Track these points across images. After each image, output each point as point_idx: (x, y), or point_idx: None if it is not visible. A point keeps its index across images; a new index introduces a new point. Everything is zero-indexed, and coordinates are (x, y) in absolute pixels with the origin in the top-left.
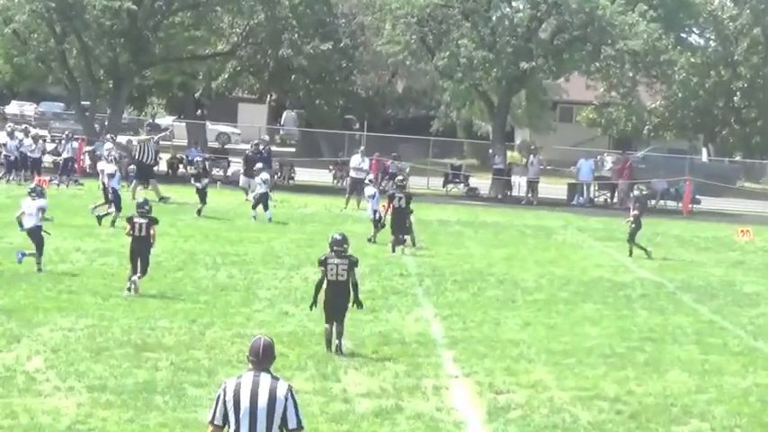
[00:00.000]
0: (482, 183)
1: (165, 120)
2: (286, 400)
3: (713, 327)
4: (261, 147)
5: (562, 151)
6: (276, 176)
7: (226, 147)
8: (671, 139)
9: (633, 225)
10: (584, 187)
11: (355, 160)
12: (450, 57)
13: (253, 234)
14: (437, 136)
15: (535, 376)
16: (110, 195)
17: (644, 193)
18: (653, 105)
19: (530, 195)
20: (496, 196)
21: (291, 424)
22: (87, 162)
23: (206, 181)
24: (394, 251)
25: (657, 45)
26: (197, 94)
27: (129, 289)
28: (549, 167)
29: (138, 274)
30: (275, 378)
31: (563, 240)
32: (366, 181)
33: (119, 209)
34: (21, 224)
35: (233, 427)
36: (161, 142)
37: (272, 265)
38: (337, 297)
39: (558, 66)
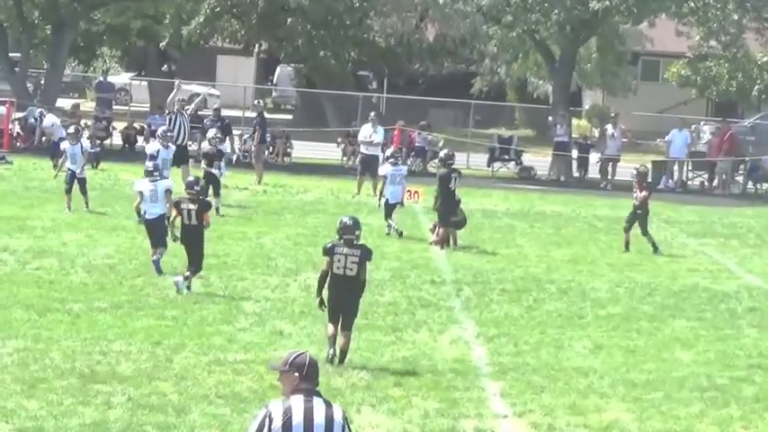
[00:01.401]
0: (539, 161)
1: (121, 77)
2: (343, 426)
3: None
4: (255, 113)
5: (645, 119)
6: (268, 152)
7: (200, 113)
8: None
9: (639, 211)
10: (675, 166)
11: (365, 131)
12: None
13: (236, 228)
14: (480, 99)
15: (609, 416)
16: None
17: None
18: (765, 59)
19: (607, 177)
20: (558, 178)
21: None
22: (17, 132)
23: (223, 166)
24: (443, 247)
25: None
26: (162, 44)
27: (186, 284)
28: (625, 140)
29: (191, 270)
30: (328, 402)
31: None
32: (388, 156)
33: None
34: (139, 213)
35: None
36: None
37: (261, 270)
38: (344, 296)
39: (640, 6)
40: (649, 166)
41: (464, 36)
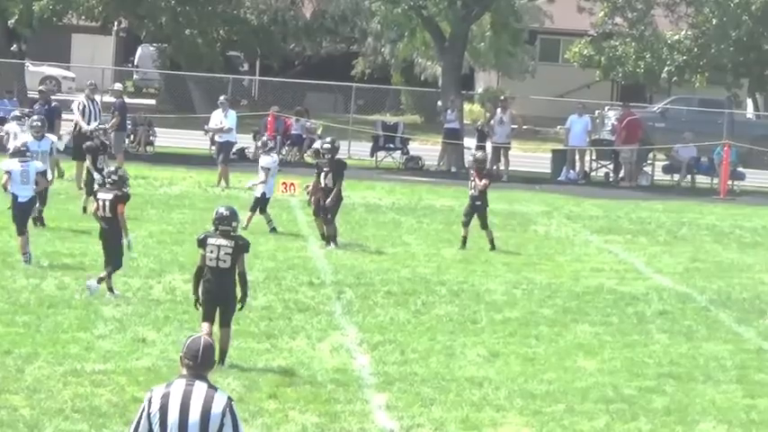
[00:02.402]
0: (428, 149)
1: None
2: (223, 415)
3: (762, 358)
4: (114, 97)
5: (544, 103)
6: (128, 141)
7: (54, 97)
8: (702, 85)
9: (478, 202)
10: (577, 156)
11: (216, 118)
12: None
13: (94, 225)
14: (362, 82)
15: (506, 430)
16: None
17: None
18: (676, 37)
19: (496, 168)
20: (449, 169)
21: None
22: None
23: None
24: (330, 244)
25: None
26: (11, 22)
27: (88, 288)
28: (524, 127)
29: (107, 270)
30: (212, 387)
31: (545, 233)
32: (264, 144)
33: None
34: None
35: None
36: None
37: (122, 271)
38: (218, 290)
39: None
40: (549, 156)
41: (344, 12)
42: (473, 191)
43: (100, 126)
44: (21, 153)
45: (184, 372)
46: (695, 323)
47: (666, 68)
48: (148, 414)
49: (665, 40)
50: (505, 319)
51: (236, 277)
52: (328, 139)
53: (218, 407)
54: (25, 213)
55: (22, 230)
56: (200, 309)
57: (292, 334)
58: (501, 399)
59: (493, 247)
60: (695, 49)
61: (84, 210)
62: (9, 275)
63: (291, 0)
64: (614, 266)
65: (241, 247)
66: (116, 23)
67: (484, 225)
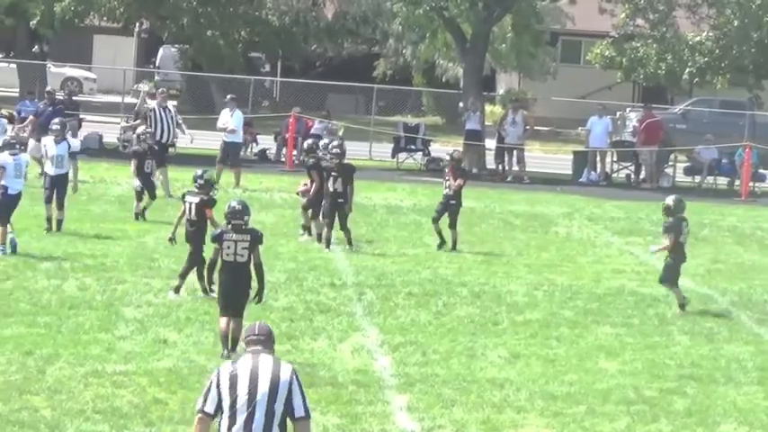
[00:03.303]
0: (449, 151)
1: None
2: (290, 384)
3: None
4: (145, 98)
5: (566, 104)
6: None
7: (75, 99)
8: (723, 87)
9: (453, 201)
10: (598, 157)
11: (224, 117)
12: None
13: (116, 226)
14: (383, 83)
15: None
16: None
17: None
18: (697, 39)
19: (516, 169)
20: (470, 170)
21: (298, 412)
22: None
23: (152, 164)
24: (328, 247)
25: None
26: (33, 23)
27: (175, 290)
28: (545, 128)
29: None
30: (277, 359)
31: (567, 234)
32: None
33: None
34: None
35: (227, 415)
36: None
37: (143, 272)
38: (236, 283)
39: None
40: (570, 157)
41: (366, 14)
42: (447, 190)
43: (147, 130)
44: (11, 146)
45: (249, 349)
46: (716, 325)
47: (688, 70)
48: (218, 386)
49: (686, 42)
50: (526, 320)
51: (252, 268)
52: (336, 143)
53: (285, 376)
54: (11, 207)
55: (4, 222)
56: (218, 302)
57: (313, 335)
58: (522, 400)
59: (453, 248)
60: (717, 51)
61: (137, 216)
62: (31, 276)
63: (313, 1)
64: (635, 268)
65: (256, 239)
66: (137, 24)
67: (452, 225)
